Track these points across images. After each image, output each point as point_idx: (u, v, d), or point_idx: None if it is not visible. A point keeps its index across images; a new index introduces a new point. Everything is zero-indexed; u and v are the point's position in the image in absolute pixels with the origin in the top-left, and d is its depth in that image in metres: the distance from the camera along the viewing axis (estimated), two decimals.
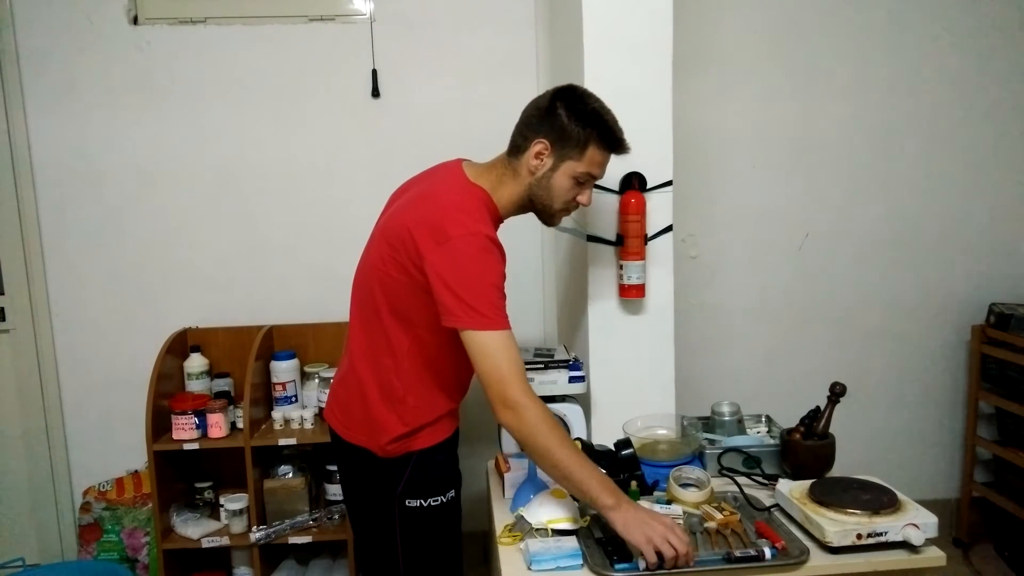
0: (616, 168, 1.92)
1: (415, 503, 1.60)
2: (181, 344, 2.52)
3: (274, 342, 2.56)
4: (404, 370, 1.56)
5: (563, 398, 1.91)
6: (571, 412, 1.89)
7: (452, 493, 1.63)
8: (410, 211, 1.54)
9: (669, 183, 1.96)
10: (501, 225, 1.64)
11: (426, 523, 1.61)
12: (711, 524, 1.51)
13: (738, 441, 1.86)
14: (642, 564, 1.38)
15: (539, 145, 1.54)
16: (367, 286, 1.61)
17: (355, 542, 1.92)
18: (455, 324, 1.44)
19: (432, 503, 1.60)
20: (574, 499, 1.58)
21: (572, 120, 1.52)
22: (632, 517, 1.40)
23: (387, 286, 1.54)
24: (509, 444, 1.88)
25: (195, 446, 2.34)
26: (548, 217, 1.65)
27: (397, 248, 1.51)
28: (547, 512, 1.53)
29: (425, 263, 1.45)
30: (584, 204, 1.63)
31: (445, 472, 1.63)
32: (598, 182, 1.91)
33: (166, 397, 2.40)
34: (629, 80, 1.92)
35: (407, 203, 1.59)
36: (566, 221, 2.14)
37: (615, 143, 1.57)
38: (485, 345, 1.43)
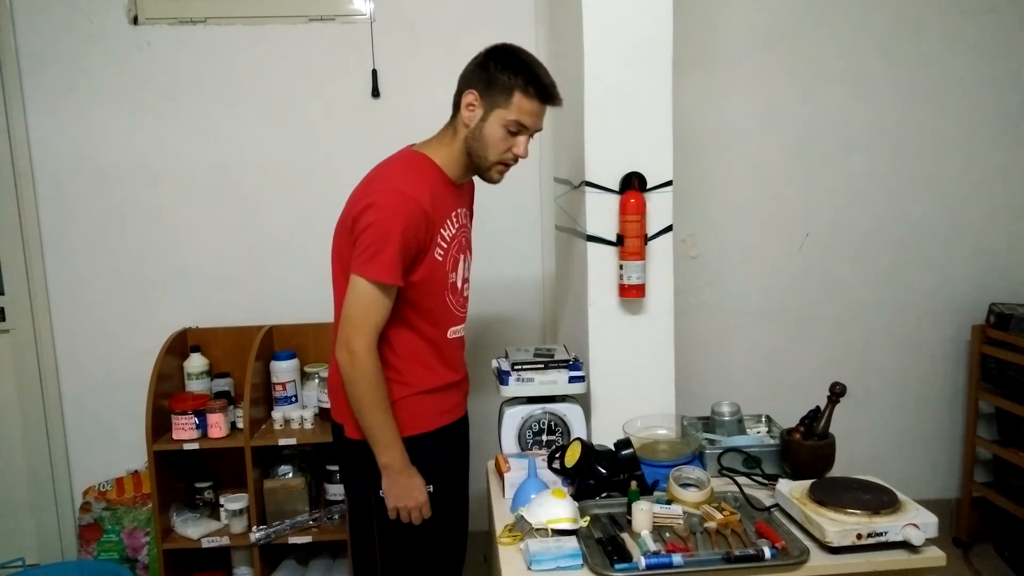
0: (616, 168, 1.93)
1: None
2: (181, 344, 2.52)
3: (274, 342, 2.56)
4: None
5: (563, 398, 1.91)
6: (571, 412, 1.88)
7: (430, 488, 1.63)
8: (356, 190, 1.63)
9: (669, 183, 1.96)
10: (464, 187, 1.72)
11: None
12: (711, 524, 1.51)
13: (738, 441, 1.86)
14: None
15: (470, 96, 1.59)
16: (333, 269, 1.67)
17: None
18: (352, 268, 1.51)
19: None
20: (572, 498, 1.58)
21: (499, 69, 1.57)
22: (394, 482, 1.57)
23: (342, 263, 1.60)
24: (509, 444, 1.88)
25: (195, 446, 2.35)
26: (485, 171, 1.66)
27: (345, 223, 1.59)
28: (547, 512, 1.52)
29: (354, 223, 1.54)
30: (521, 156, 1.64)
31: (422, 466, 1.62)
32: (597, 181, 1.93)
33: (166, 397, 2.40)
34: (629, 80, 1.92)
35: (357, 186, 1.66)
36: (566, 221, 2.15)
37: (543, 90, 1.59)
38: (361, 293, 1.52)
